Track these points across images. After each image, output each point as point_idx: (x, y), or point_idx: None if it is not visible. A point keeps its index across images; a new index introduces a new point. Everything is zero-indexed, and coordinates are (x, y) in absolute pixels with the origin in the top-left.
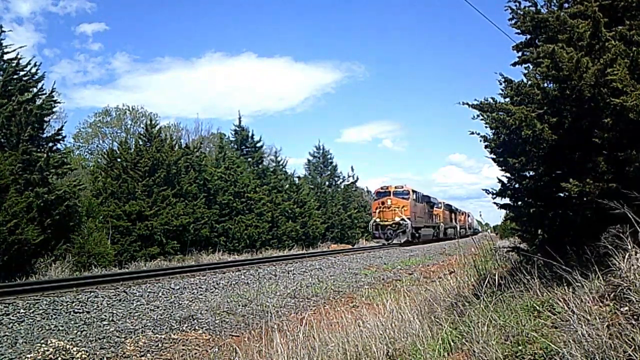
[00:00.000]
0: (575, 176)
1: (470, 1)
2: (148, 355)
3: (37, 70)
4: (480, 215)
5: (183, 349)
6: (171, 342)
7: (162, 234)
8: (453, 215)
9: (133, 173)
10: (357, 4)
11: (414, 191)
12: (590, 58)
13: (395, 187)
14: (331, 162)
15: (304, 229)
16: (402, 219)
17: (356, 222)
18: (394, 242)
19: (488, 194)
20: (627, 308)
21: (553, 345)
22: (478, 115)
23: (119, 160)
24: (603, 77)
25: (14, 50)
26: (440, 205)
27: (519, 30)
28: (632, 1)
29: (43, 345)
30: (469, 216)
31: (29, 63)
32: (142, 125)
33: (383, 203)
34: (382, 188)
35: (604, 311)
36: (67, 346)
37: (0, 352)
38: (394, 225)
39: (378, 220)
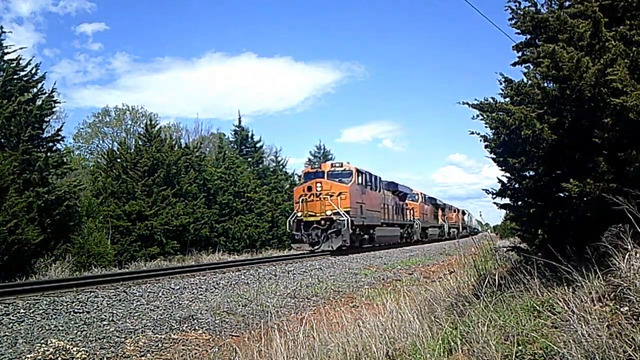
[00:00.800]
0: (575, 176)
1: (470, 1)
2: (148, 355)
3: (37, 70)
4: (480, 215)
5: (183, 349)
6: (171, 342)
7: (162, 234)
8: (439, 211)
9: (133, 173)
10: (357, 4)
11: (360, 172)
12: (591, 58)
13: (332, 166)
14: None
15: None
16: (337, 213)
17: None
18: (323, 247)
19: (488, 194)
20: (627, 308)
21: (553, 345)
22: (478, 115)
23: (118, 160)
24: (603, 77)
25: (15, 51)
26: (416, 196)
27: (519, 30)
28: (632, 1)
29: (43, 345)
30: (464, 214)
31: (29, 63)
32: (142, 125)
33: (309, 189)
34: (312, 167)
35: (604, 311)
36: (67, 346)
37: (0, 352)
38: (323, 223)
39: (300, 214)
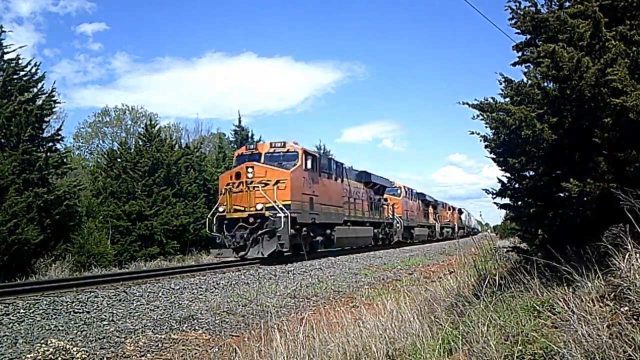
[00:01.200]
0: (575, 176)
1: (470, 1)
2: (148, 355)
3: (37, 70)
4: (480, 215)
5: (183, 349)
6: (171, 342)
7: (162, 234)
8: (430, 209)
9: (133, 173)
10: (357, 4)
11: (310, 154)
12: (591, 58)
13: (272, 146)
14: None
15: None
16: (271, 207)
17: None
18: (251, 254)
19: (488, 194)
20: (627, 308)
21: (553, 345)
22: (478, 115)
23: (119, 160)
24: (603, 77)
25: (14, 51)
26: (398, 190)
27: (519, 30)
28: (632, 1)
29: (43, 345)
30: (460, 213)
31: (29, 63)
32: (142, 125)
33: (237, 175)
34: (247, 148)
35: (604, 311)
36: (67, 346)
37: (0, 352)
38: (252, 221)
39: (222, 209)
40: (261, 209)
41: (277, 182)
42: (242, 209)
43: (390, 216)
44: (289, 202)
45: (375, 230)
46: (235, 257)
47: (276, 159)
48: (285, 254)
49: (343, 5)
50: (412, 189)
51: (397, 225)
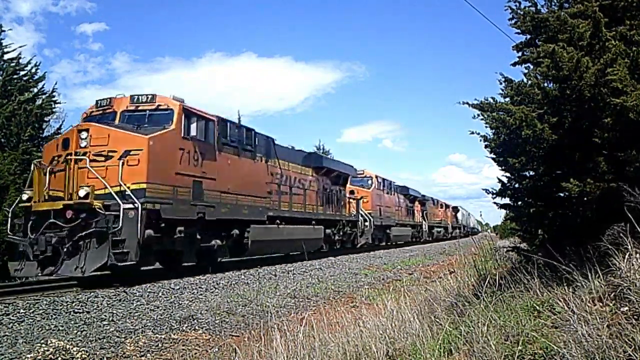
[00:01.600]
0: (575, 176)
1: (470, 1)
2: (148, 355)
3: (37, 70)
4: (481, 215)
5: (183, 349)
6: (171, 342)
7: None
8: (417, 205)
9: None
10: (357, 4)
11: (194, 114)
12: (591, 58)
13: (134, 101)
14: None
15: None
16: (107, 195)
17: None
18: (63, 271)
19: (488, 194)
20: (627, 308)
21: (553, 345)
22: (478, 115)
23: None
24: (603, 77)
25: (14, 50)
26: (369, 181)
27: (519, 30)
28: (632, 1)
29: (43, 345)
30: (456, 211)
31: (29, 63)
32: None
33: (65, 144)
34: (98, 105)
35: (604, 311)
36: (67, 346)
37: (0, 352)
38: (72, 216)
39: (27, 197)
40: (85, 197)
41: (126, 153)
42: (61, 197)
43: (354, 212)
44: (143, 186)
45: (329, 231)
46: (40, 277)
47: (138, 120)
48: (133, 266)
49: (343, 5)
50: (390, 180)
51: (365, 224)
